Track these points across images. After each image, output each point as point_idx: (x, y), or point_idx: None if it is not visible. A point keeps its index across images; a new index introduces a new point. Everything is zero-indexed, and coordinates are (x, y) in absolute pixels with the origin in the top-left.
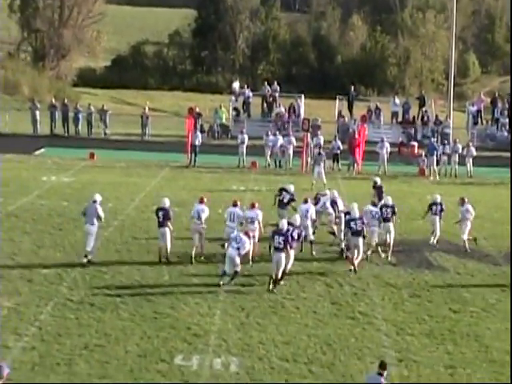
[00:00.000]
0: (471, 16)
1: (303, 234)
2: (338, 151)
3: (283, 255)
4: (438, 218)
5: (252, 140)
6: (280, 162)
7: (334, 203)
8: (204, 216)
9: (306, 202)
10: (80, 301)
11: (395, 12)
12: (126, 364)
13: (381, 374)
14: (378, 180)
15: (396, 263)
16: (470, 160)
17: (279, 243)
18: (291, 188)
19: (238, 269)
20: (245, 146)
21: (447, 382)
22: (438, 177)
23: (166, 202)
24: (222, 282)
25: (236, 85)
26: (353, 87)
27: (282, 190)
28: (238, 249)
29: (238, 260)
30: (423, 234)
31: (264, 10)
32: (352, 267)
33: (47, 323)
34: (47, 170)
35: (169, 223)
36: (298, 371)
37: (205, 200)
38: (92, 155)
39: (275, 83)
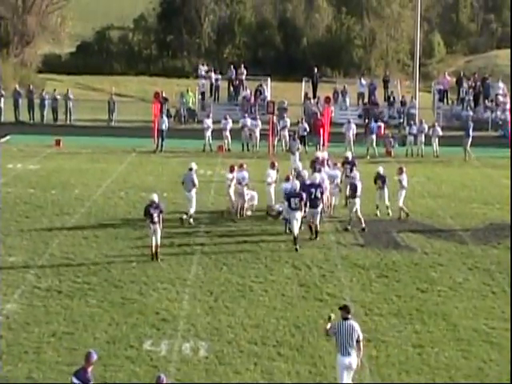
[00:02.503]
0: None
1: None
2: (305, 133)
3: (299, 213)
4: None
5: (219, 124)
6: (248, 145)
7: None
8: (245, 181)
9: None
10: (47, 288)
11: None
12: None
13: (347, 319)
14: (350, 155)
15: (364, 244)
16: (436, 140)
17: (295, 204)
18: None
19: None
20: (210, 131)
21: (416, 362)
22: (368, 157)
23: (155, 198)
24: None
25: (202, 69)
26: (316, 69)
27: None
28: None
29: None
30: (391, 215)
31: None
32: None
33: (14, 311)
34: (13, 158)
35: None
36: (267, 354)
37: (244, 166)
38: (58, 142)
39: (242, 66)
